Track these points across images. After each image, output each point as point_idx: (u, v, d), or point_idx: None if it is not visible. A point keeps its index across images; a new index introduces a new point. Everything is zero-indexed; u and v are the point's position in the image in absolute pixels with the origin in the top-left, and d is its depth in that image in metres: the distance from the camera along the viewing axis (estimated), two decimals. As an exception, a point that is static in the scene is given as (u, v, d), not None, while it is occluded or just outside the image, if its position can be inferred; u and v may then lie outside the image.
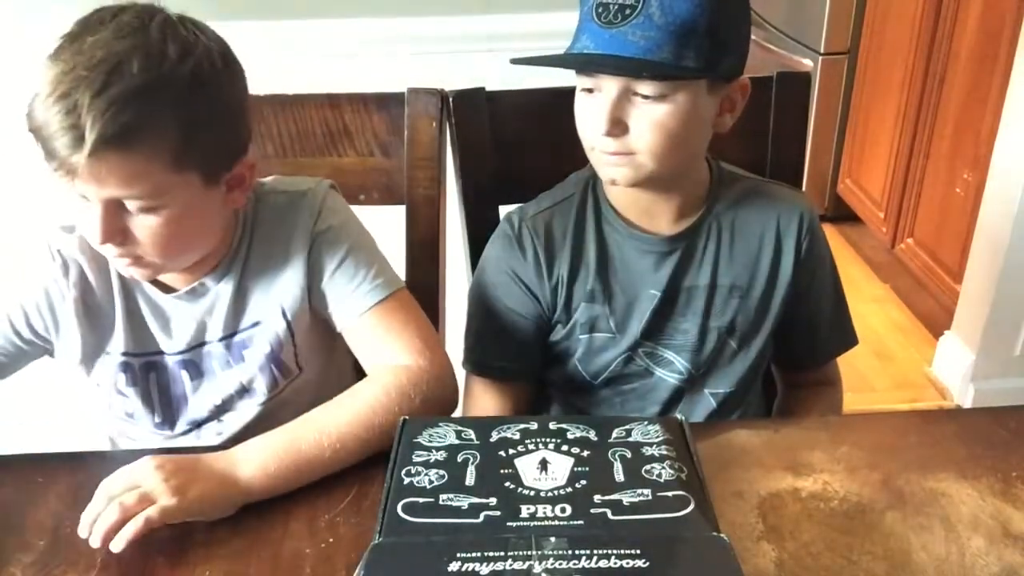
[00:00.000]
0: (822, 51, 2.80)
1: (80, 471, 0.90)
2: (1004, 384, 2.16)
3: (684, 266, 1.04)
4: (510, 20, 1.64)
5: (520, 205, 1.10)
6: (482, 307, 1.09)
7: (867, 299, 2.68)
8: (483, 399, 1.09)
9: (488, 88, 1.19)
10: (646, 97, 0.91)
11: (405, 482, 0.73)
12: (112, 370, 0.99)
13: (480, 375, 1.10)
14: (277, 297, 0.98)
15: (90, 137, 0.77)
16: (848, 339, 1.15)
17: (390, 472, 0.74)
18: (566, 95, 1.06)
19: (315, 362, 1.04)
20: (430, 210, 1.21)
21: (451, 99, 1.19)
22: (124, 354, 0.98)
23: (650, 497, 0.71)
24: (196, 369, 1.00)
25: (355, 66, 1.60)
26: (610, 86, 0.92)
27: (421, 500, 0.71)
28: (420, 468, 0.74)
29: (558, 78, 1.15)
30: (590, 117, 0.95)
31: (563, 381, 1.11)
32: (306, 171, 1.17)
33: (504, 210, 1.19)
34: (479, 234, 1.17)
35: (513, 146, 1.21)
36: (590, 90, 0.95)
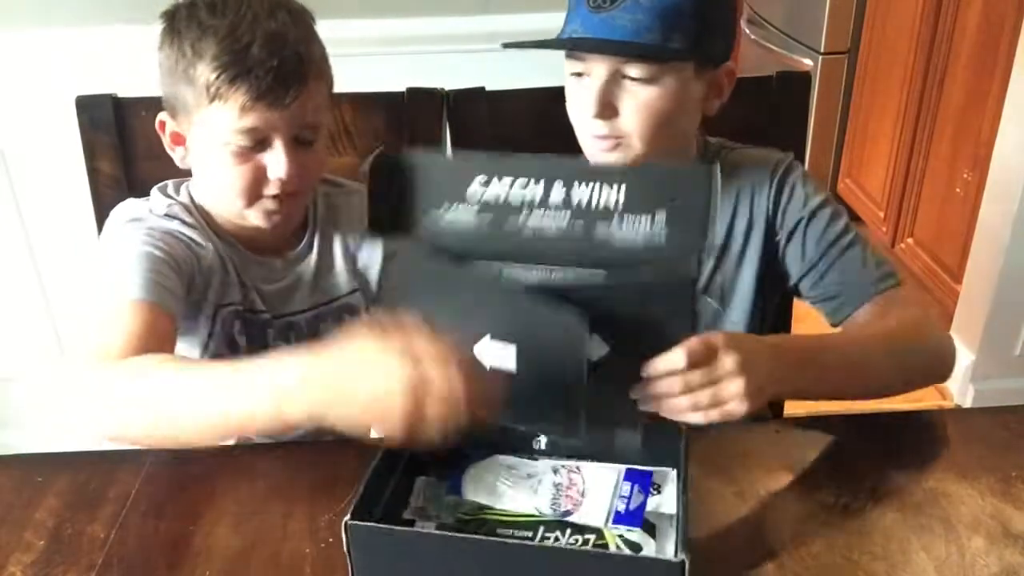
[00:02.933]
0: (822, 51, 2.80)
1: (80, 471, 0.90)
2: (1004, 384, 2.16)
3: None
4: (510, 20, 1.64)
5: None
6: None
7: (867, 299, 2.68)
8: None
9: (488, 88, 1.19)
10: (635, 80, 0.93)
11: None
12: (229, 321, 1.02)
13: None
14: (357, 280, 1.09)
15: (308, 63, 0.93)
16: (885, 280, 1.01)
17: None
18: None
19: None
20: (430, 210, 1.21)
21: (451, 99, 1.19)
22: (237, 303, 1.02)
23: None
24: (283, 333, 1.06)
25: (355, 66, 1.60)
26: (599, 70, 0.93)
27: None
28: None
29: (557, 78, 1.15)
30: (580, 101, 0.96)
31: None
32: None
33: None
34: (479, 234, 1.17)
35: (513, 146, 1.20)
36: (580, 75, 0.96)
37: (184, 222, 0.99)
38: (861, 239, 1.03)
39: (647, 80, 0.93)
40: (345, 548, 0.67)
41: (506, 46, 0.96)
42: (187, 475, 0.91)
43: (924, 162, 2.47)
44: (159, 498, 0.86)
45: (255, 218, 0.99)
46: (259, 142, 0.94)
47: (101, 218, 1.18)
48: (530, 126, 1.22)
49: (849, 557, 0.77)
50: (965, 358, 2.20)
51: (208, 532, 0.81)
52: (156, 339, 0.85)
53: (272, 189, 0.96)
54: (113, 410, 0.77)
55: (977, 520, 0.81)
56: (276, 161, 0.94)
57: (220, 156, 0.94)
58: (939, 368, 0.98)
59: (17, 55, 1.65)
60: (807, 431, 0.96)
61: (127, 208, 1.01)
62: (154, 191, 1.04)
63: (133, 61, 1.61)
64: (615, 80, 0.93)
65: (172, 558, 0.78)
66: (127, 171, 1.17)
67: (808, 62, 2.83)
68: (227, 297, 1.02)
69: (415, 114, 1.19)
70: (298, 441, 1.09)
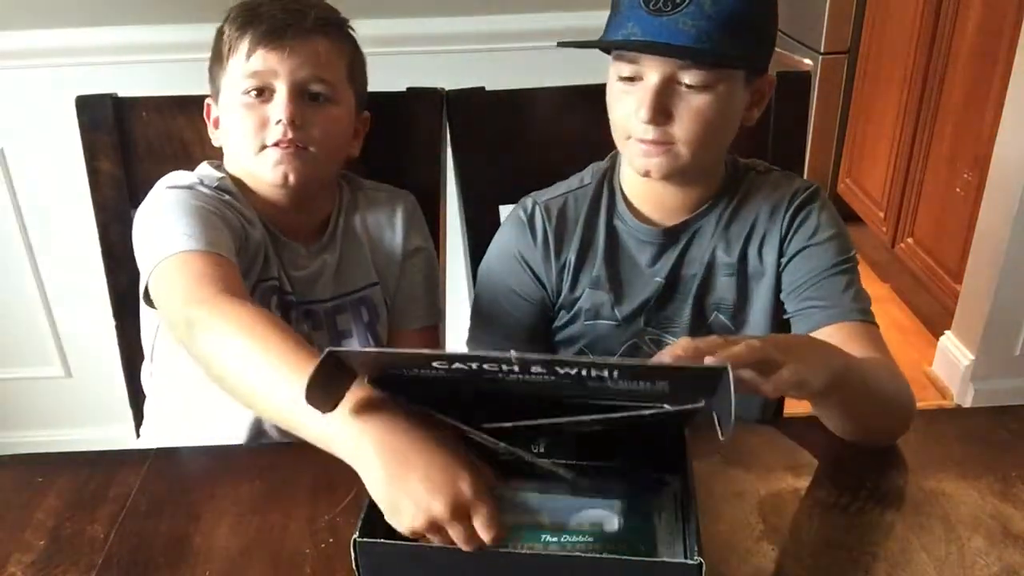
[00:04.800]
0: (822, 51, 2.80)
1: (80, 471, 0.90)
2: (1004, 384, 2.16)
3: (687, 255, 1.05)
4: (510, 20, 1.64)
5: (536, 191, 1.10)
6: (487, 288, 1.11)
7: (867, 299, 2.68)
8: None
9: (488, 88, 1.19)
10: (690, 87, 0.92)
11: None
12: (268, 295, 1.05)
13: None
14: (374, 275, 1.13)
15: (312, 15, 1.01)
16: (861, 312, 1.00)
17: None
18: (566, 95, 1.06)
19: None
20: (430, 210, 1.21)
21: (451, 99, 1.19)
22: (275, 279, 1.06)
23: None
24: (305, 318, 1.09)
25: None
26: (653, 74, 0.92)
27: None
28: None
29: (557, 78, 1.15)
30: (631, 105, 0.95)
31: None
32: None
33: (504, 210, 1.19)
34: (479, 234, 1.17)
35: (513, 146, 1.21)
36: (630, 79, 0.94)
37: (234, 195, 1.04)
38: (853, 274, 1.03)
39: (702, 87, 0.92)
40: (354, 565, 0.66)
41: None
42: (187, 475, 0.91)
43: (924, 162, 2.47)
44: (159, 498, 0.86)
45: (265, 171, 1.02)
46: (265, 90, 1.00)
47: (101, 218, 1.18)
48: (530, 126, 1.22)
49: (849, 557, 0.77)
50: (965, 358, 2.20)
51: (208, 532, 0.81)
52: (233, 281, 0.89)
53: (275, 134, 1.00)
54: (202, 352, 0.82)
55: (977, 520, 0.81)
56: (278, 104, 1.00)
57: (235, 110, 1.02)
58: (904, 424, 0.93)
59: (17, 55, 1.65)
60: (807, 431, 0.96)
61: (177, 176, 1.04)
62: (203, 164, 1.08)
63: (133, 61, 1.62)
64: (670, 85, 0.92)
65: (172, 558, 0.78)
66: (127, 171, 1.17)
67: (808, 62, 2.83)
68: (267, 273, 1.05)
69: (415, 114, 1.19)
70: (298, 441, 1.09)
